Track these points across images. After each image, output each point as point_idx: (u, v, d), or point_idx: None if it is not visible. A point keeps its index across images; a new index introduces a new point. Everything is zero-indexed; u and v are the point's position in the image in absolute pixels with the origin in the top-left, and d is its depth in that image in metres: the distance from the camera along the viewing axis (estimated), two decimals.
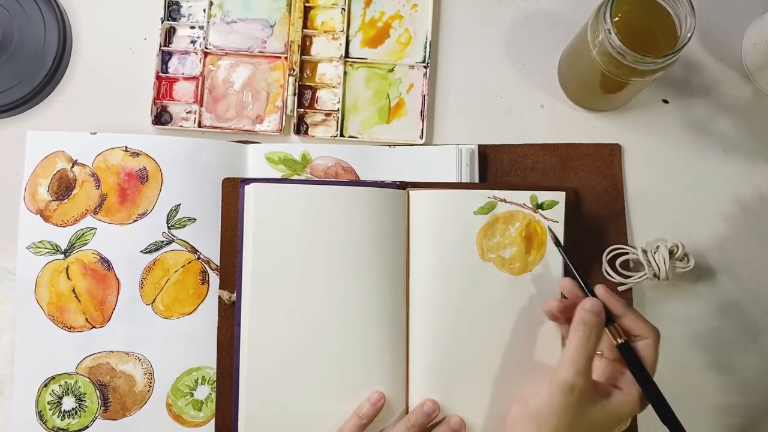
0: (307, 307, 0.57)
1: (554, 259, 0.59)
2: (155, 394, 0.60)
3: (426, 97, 0.65)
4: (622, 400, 0.49)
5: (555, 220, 0.59)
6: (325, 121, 0.66)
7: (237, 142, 0.64)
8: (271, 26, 0.66)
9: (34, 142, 0.62)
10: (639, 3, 0.57)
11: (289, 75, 0.65)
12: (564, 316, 0.53)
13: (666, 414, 0.49)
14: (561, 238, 0.59)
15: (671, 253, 0.61)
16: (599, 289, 0.52)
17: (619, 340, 0.50)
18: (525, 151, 0.65)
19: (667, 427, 0.49)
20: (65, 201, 0.62)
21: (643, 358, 0.50)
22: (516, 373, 0.57)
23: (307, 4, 0.67)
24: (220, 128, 0.65)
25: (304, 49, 0.66)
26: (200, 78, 0.65)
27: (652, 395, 0.49)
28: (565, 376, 0.48)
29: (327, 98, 0.66)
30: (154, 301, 0.61)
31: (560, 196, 0.60)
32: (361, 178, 0.63)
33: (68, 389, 0.60)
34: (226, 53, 0.66)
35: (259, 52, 0.66)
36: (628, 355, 0.50)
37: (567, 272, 0.58)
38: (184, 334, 0.61)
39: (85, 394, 0.60)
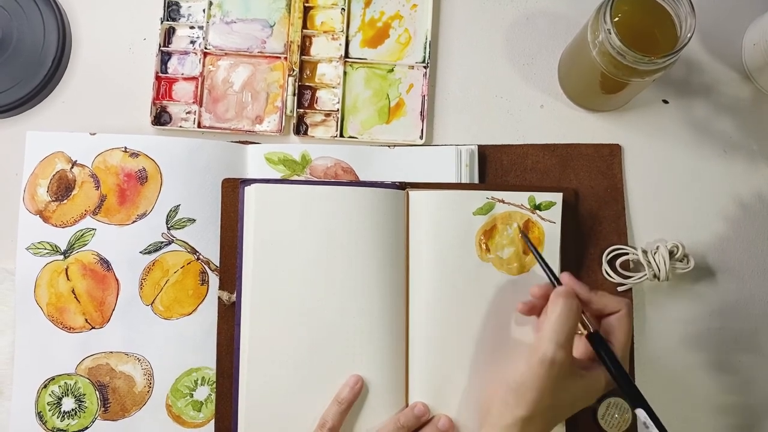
0: (306, 307, 0.57)
1: (552, 260, 0.59)
2: (155, 395, 0.60)
3: (426, 98, 0.65)
4: (599, 373, 0.51)
5: (552, 220, 0.59)
6: (325, 122, 0.66)
7: (236, 142, 0.64)
8: (271, 26, 0.66)
9: (34, 142, 0.62)
10: (639, 3, 0.57)
11: (289, 75, 0.65)
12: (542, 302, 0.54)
13: (636, 399, 0.50)
14: (558, 239, 0.59)
15: (671, 253, 0.61)
16: (564, 277, 0.53)
17: (590, 330, 0.51)
18: (525, 151, 0.65)
19: (642, 409, 0.49)
20: (65, 202, 0.62)
21: (618, 328, 0.52)
22: None
23: (306, 4, 0.66)
24: (220, 129, 0.65)
25: (304, 49, 0.66)
26: (200, 78, 0.65)
27: (623, 383, 0.50)
28: (546, 350, 0.49)
29: (327, 98, 0.66)
30: (153, 301, 0.61)
31: (557, 197, 0.60)
32: (361, 179, 0.63)
33: (68, 390, 0.60)
34: (226, 53, 0.66)
35: (258, 52, 0.66)
36: (597, 345, 0.51)
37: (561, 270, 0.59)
38: (184, 334, 0.61)
39: (84, 394, 0.60)
